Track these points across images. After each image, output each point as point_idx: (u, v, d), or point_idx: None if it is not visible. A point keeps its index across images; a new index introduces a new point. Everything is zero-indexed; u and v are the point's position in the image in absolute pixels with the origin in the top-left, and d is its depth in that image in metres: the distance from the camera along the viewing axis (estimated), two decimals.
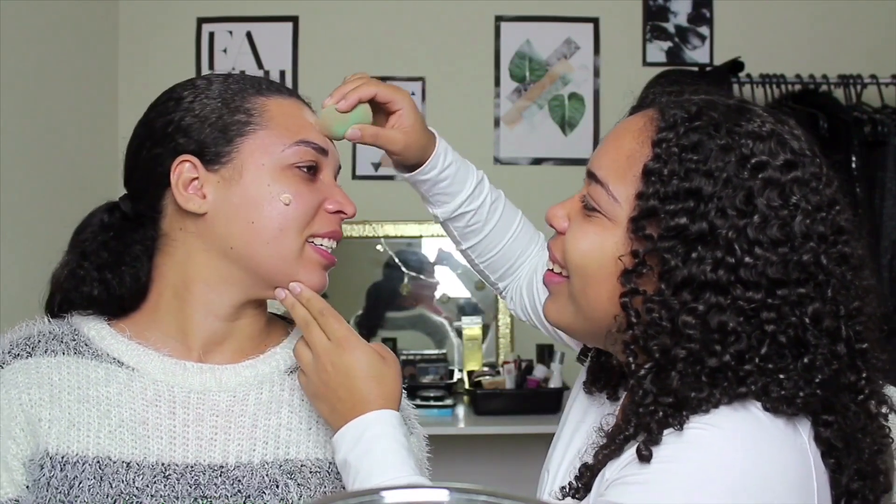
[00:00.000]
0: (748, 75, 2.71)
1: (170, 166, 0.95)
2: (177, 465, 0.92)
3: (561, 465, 1.01)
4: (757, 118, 0.87)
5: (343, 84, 1.05)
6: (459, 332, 2.92)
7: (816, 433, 0.84)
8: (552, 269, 0.97)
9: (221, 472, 0.93)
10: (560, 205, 0.96)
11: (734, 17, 3.00)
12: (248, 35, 2.99)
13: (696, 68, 2.92)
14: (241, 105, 0.96)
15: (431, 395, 2.68)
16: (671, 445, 0.81)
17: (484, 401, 2.59)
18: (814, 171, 0.86)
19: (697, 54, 3.00)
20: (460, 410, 2.66)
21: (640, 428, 0.83)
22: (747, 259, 0.81)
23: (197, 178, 0.94)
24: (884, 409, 0.88)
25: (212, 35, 2.99)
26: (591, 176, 0.91)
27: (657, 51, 3.01)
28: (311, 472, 0.96)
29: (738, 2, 3.00)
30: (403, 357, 2.86)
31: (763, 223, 0.81)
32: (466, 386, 2.76)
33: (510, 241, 1.23)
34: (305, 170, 0.96)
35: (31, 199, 2.25)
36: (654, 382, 0.84)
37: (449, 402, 2.66)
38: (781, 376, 0.81)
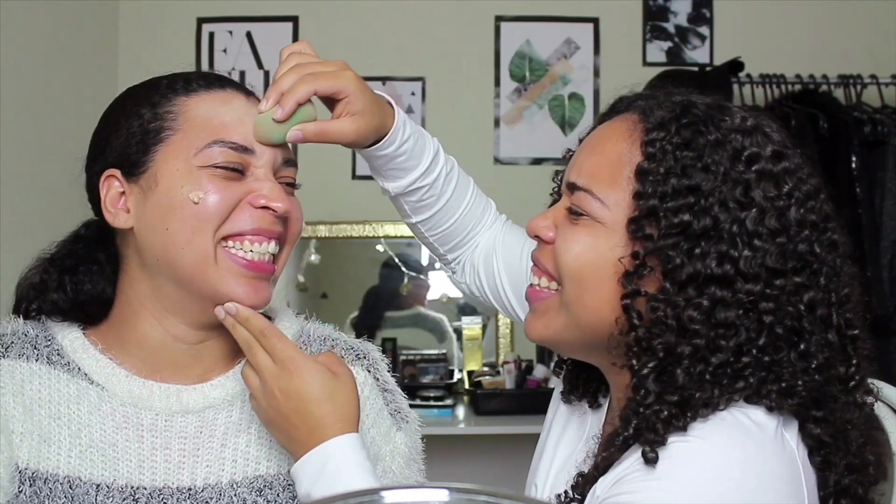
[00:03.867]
0: (748, 75, 2.71)
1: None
2: (145, 489, 0.90)
3: (548, 477, 1.00)
4: (738, 113, 0.88)
5: (276, 79, 0.93)
6: (459, 333, 2.92)
7: (806, 431, 0.84)
8: (537, 285, 0.94)
9: (190, 494, 0.91)
10: (541, 216, 0.93)
11: (734, 17, 3.00)
12: (248, 35, 2.99)
13: (696, 68, 2.92)
14: (161, 110, 0.91)
15: (431, 395, 2.68)
16: (663, 461, 0.79)
17: (484, 401, 2.59)
18: (798, 162, 0.87)
19: (697, 54, 3.00)
20: (460, 410, 2.66)
21: (644, 429, 0.81)
22: (747, 252, 0.81)
23: (124, 192, 0.91)
24: (869, 399, 0.88)
25: (212, 35, 3.00)
26: (572, 186, 0.90)
27: (657, 51, 3.01)
28: (282, 487, 0.94)
29: (738, 2, 3.00)
30: (403, 357, 2.86)
31: (761, 214, 0.82)
32: (466, 386, 2.76)
33: (463, 214, 1.16)
34: (230, 170, 0.89)
35: (31, 200, 2.25)
36: (657, 382, 0.83)
37: (449, 402, 2.66)
38: (777, 368, 0.82)
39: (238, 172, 0.90)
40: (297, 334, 1.03)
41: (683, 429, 0.80)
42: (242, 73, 2.97)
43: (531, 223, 0.93)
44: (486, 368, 2.81)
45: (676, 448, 0.80)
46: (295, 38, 2.99)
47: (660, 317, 0.82)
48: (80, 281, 0.97)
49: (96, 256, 0.97)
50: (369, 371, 1.02)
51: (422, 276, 3.02)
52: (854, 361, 0.86)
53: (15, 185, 2.16)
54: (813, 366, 0.82)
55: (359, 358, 1.03)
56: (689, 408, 0.81)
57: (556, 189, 1.01)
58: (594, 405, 1.00)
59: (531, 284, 0.95)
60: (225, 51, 2.98)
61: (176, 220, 0.88)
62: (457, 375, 2.86)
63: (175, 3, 2.99)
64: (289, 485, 0.94)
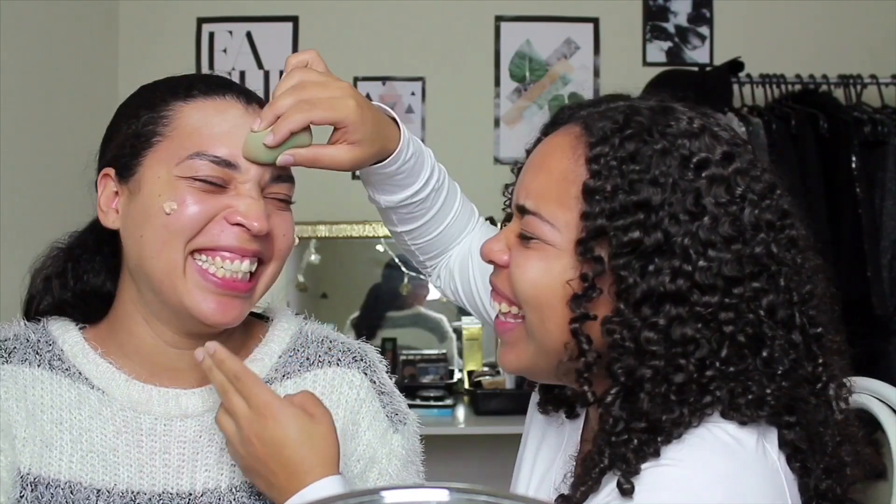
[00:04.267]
0: (748, 75, 2.71)
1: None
2: (145, 494, 0.90)
3: (528, 491, 0.98)
4: (683, 116, 0.84)
5: (274, 97, 0.89)
6: (459, 333, 2.93)
7: (782, 437, 0.81)
8: (501, 315, 0.91)
9: (190, 499, 0.91)
10: (494, 239, 0.91)
11: (734, 17, 3.00)
12: (248, 35, 2.99)
13: (696, 68, 2.92)
14: (157, 114, 0.90)
15: (431, 395, 2.68)
16: (641, 491, 0.77)
17: (484, 401, 2.59)
18: (749, 159, 0.84)
19: (697, 54, 3.00)
20: (460, 410, 2.66)
21: (616, 459, 0.78)
22: (702, 263, 0.79)
23: (118, 193, 0.92)
24: (843, 393, 0.86)
25: (212, 35, 2.99)
26: (521, 210, 0.87)
27: (657, 51, 3.01)
28: None
29: (738, 2, 3.00)
30: (403, 357, 2.86)
31: (714, 222, 0.79)
32: (466, 386, 2.76)
33: (450, 225, 1.12)
34: (210, 183, 0.87)
35: (31, 200, 2.25)
36: (622, 408, 0.80)
37: (449, 402, 2.66)
38: (743, 378, 0.80)
39: (219, 186, 0.88)
40: (296, 334, 1.02)
41: (656, 454, 0.77)
42: (242, 74, 2.97)
43: (484, 247, 0.91)
44: (486, 368, 2.81)
45: (651, 475, 0.77)
46: (295, 39, 2.99)
47: (616, 340, 0.80)
48: (84, 270, 0.97)
49: (103, 248, 0.98)
50: (366, 374, 1.02)
51: (422, 276, 3.01)
52: (820, 360, 0.83)
53: (15, 185, 2.16)
54: (779, 371, 0.80)
55: (356, 360, 1.02)
56: (659, 432, 0.78)
57: (507, 203, 0.97)
58: (571, 415, 0.98)
59: (497, 315, 0.93)
60: (225, 51, 2.98)
61: (149, 228, 0.88)
62: (457, 375, 2.86)
63: (175, 3, 2.99)
64: None
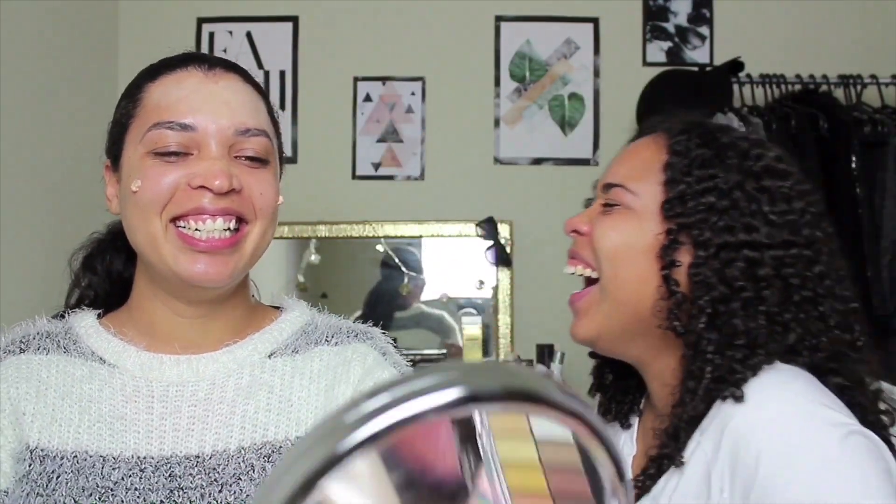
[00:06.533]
0: (748, 75, 2.71)
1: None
2: (153, 458, 0.91)
3: None
4: (737, 130, 1.05)
5: None
6: (459, 332, 2.92)
7: (827, 382, 0.93)
8: (574, 276, 1.05)
9: (197, 462, 0.91)
10: (577, 215, 1.08)
11: (734, 17, 3.00)
12: (248, 35, 2.99)
13: (696, 68, 2.92)
14: (131, 99, 0.95)
15: None
16: (751, 394, 0.89)
17: None
18: (795, 169, 1.03)
19: (697, 54, 3.00)
20: None
21: (721, 372, 0.91)
22: (765, 228, 0.96)
23: (118, 180, 0.96)
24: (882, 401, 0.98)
25: (212, 35, 2.99)
26: (608, 186, 1.04)
27: (657, 51, 3.00)
28: None
29: (738, 2, 3.00)
30: (403, 357, 2.85)
31: (772, 198, 0.97)
32: None
33: None
34: (170, 154, 0.90)
35: (31, 200, 2.25)
36: (718, 330, 0.93)
37: None
38: (807, 325, 0.94)
39: (182, 155, 0.90)
40: (308, 321, 1.05)
41: (759, 366, 0.91)
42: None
43: (569, 221, 1.07)
44: None
45: (756, 385, 0.90)
46: (295, 39, 2.99)
47: (702, 279, 0.95)
48: (111, 255, 1.04)
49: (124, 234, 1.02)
50: (373, 348, 1.05)
51: (421, 276, 3.01)
52: (857, 328, 0.97)
53: (15, 186, 2.16)
54: (831, 324, 0.95)
55: (363, 339, 1.04)
56: (759, 347, 0.92)
57: (587, 201, 1.14)
58: (625, 425, 1.11)
59: (579, 290, 1.06)
60: (225, 51, 2.98)
61: (128, 208, 0.93)
62: None
63: (175, 3, 2.99)
64: None
